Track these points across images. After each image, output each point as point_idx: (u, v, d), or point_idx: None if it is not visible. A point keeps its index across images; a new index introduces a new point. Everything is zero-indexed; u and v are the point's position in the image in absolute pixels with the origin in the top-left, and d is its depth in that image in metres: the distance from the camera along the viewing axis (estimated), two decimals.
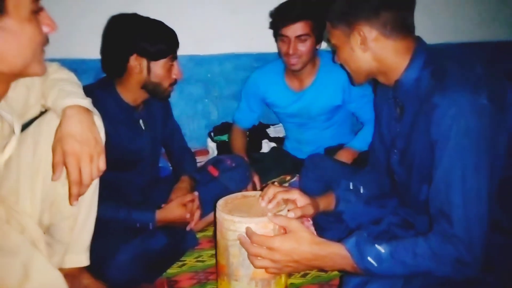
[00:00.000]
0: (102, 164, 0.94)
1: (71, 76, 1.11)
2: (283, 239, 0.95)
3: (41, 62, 0.84)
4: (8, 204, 1.00)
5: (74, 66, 1.91)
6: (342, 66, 1.11)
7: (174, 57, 1.44)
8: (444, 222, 0.88)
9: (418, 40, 1.02)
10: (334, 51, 1.10)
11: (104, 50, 1.44)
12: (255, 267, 0.97)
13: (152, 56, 1.38)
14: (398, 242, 0.91)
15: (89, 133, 0.95)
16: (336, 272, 1.30)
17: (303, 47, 1.68)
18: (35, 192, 1.02)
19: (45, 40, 0.84)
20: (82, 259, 1.17)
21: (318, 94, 1.81)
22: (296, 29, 1.64)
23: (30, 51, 0.80)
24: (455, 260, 0.86)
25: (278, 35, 1.71)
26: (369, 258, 0.89)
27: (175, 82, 1.47)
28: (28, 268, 0.95)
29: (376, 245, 0.90)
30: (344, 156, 1.73)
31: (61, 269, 1.10)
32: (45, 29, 0.82)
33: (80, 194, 0.93)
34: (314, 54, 1.74)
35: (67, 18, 1.88)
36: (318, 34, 1.70)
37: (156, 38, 1.38)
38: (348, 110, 1.88)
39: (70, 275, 1.13)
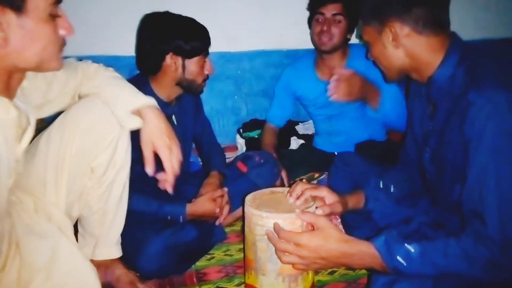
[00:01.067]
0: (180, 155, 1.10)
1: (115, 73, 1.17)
2: (311, 235, 0.95)
3: (57, 59, 0.88)
4: (35, 195, 1.05)
5: (109, 62, 1.97)
6: (374, 63, 1.10)
7: (207, 54, 1.48)
8: (477, 223, 0.86)
9: (453, 36, 0.99)
10: (367, 48, 1.09)
11: (139, 49, 1.48)
12: (282, 262, 0.98)
13: (187, 54, 1.42)
14: (429, 242, 0.90)
15: (171, 129, 1.09)
16: (364, 271, 1.29)
17: (336, 28, 1.76)
18: (60, 184, 1.07)
19: (62, 42, 0.88)
20: (112, 251, 1.21)
21: None
22: (333, 8, 1.76)
23: (44, 50, 0.84)
24: (488, 261, 0.84)
25: (314, 15, 1.80)
26: (398, 257, 0.88)
27: (207, 77, 1.51)
28: (56, 251, 0.99)
29: (406, 244, 0.89)
30: (371, 86, 1.62)
31: (93, 260, 1.15)
32: (62, 32, 0.86)
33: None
34: (344, 40, 1.81)
35: (102, 16, 1.94)
36: (350, 21, 1.78)
37: (191, 36, 1.41)
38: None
39: (103, 265, 1.18)
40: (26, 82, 0.93)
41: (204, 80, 1.50)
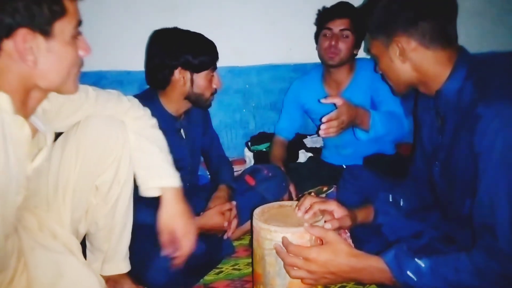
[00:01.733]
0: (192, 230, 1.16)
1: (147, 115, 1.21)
2: (320, 250, 0.94)
3: (75, 82, 0.91)
4: (38, 214, 1.06)
5: (120, 77, 2.05)
6: (382, 76, 1.10)
7: (215, 68, 1.50)
8: (488, 237, 0.85)
9: (461, 50, 0.99)
10: (375, 61, 1.10)
11: (148, 64, 1.50)
12: (291, 277, 0.97)
13: (195, 69, 1.44)
14: (439, 257, 0.89)
15: (187, 210, 1.15)
16: (374, 286, 1.28)
17: (343, 43, 1.77)
18: (65, 202, 1.08)
19: (81, 63, 0.91)
20: (120, 266, 1.21)
21: (354, 97, 1.80)
22: (340, 23, 1.77)
23: (67, 71, 0.87)
24: (500, 276, 0.83)
25: (322, 30, 1.81)
26: (408, 273, 0.87)
27: (215, 91, 1.53)
28: (61, 267, 1.00)
29: (416, 259, 0.88)
30: (360, 112, 1.55)
31: (102, 275, 1.15)
32: (81, 53, 0.89)
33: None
34: (351, 55, 1.82)
35: (112, 31, 1.98)
36: (357, 37, 1.78)
37: (199, 51, 1.43)
38: None
39: (111, 280, 1.19)
40: (49, 105, 0.96)
41: (212, 94, 1.52)
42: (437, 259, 0.88)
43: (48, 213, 1.07)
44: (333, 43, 1.76)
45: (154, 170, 1.15)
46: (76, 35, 0.86)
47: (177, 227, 1.12)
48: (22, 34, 0.77)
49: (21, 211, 0.96)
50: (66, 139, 1.08)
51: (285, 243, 0.98)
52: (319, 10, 1.85)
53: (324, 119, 1.40)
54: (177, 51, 1.42)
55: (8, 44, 0.77)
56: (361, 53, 1.88)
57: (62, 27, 0.81)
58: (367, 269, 0.91)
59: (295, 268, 0.95)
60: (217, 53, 1.49)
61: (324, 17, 1.82)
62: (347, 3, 1.82)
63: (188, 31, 1.48)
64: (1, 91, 0.79)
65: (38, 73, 0.82)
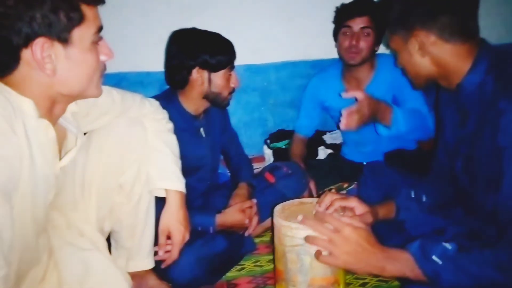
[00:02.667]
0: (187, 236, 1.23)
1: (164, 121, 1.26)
2: (354, 229, 0.93)
3: (97, 86, 0.91)
4: (66, 213, 1.09)
5: (140, 78, 2.08)
6: (402, 70, 1.09)
7: (232, 67, 1.51)
8: None
9: (482, 42, 0.97)
10: (395, 55, 1.09)
11: (167, 64, 1.53)
12: (316, 245, 0.96)
13: (213, 68, 1.45)
14: (463, 252, 0.88)
15: (185, 217, 1.21)
16: (396, 282, 1.27)
17: (365, 42, 1.71)
18: (90, 201, 1.11)
19: (103, 68, 0.91)
20: (144, 263, 1.24)
21: (375, 95, 1.77)
22: (361, 21, 1.70)
23: (88, 77, 0.87)
24: None
25: (341, 28, 1.75)
26: (433, 257, 0.86)
27: (233, 90, 1.54)
28: (89, 264, 1.04)
29: (443, 243, 0.87)
30: (381, 106, 1.50)
31: (127, 272, 1.18)
32: (102, 57, 0.89)
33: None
34: (372, 53, 1.77)
35: (132, 34, 2.01)
36: (378, 34, 1.73)
37: (216, 51, 1.45)
38: None
39: (137, 276, 1.21)
40: (77, 108, 0.98)
41: (230, 93, 1.53)
42: (461, 254, 0.87)
43: (75, 212, 1.10)
44: (353, 42, 1.70)
45: (164, 172, 1.19)
46: (97, 40, 0.86)
47: (173, 232, 1.19)
48: (40, 43, 0.77)
49: (50, 211, 1.00)
50: (90, 139, 1.11)
51: (310, 239, 0.97)
52: (337, 8, 1.80)
53: (344, 112, 1.38)
54: (195, 51, 1.44)
55: (26, 53, 0.78)
56: (381, 49, 1.85)
57: (81, 34, 0.81)
58: (391, 257, 0.90)
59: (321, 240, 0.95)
60: (234, 52, 1.50)
61: (343, 15, 1.75)
62: (365, 1, 1.75)
63: (205, 31, 1.49)
64: (25, 97, 0.81)
65: (58, 81, 0.82)
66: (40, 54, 0.78)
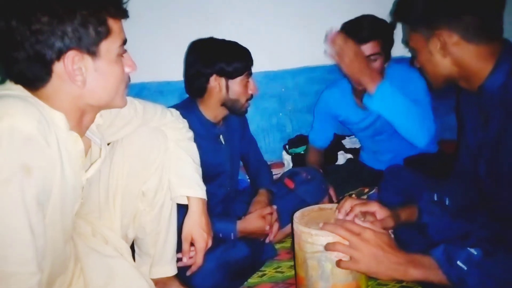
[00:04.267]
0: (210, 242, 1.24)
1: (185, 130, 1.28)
2: (375, 233, 0.92)
3: (123, 97, 0.95)
4: (91, 220, 1.12)
5: (160, 88, 2.12)
6: (420, 70, 1.08)
7: (250, 74, 1.52)
8: None
9: (505, 43, 0.95)
10: (413, 56, 1.07)
11: (186, 74, 1.56)
12: (336, 250, 0.95)
13: (230, 75, 1.48)
14: (489, 257, 0.86)
15: (208, 223, 1.23)
16: None
17: (373, 67, 1.58)
18: (115, 209, 1.14)
19: (128, 79, 0.95)
20: (167, 270, 1.25)
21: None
22: (366, 49, 1.57)
23: (115, 88, 0.90)
24: None
25: None
26: (458, 263, 0.84)
27: (251, 97, 1.55)
28: (114, 270, 1.06)
29: (469, 248, 0.85)
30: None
31: (151, 278, 1.20)
32: (127, 69, 0.93)
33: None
34: (382, 71, 1.67)
35: (152, 45, 2.05)
36: (387, 53, 1.65)
37: (232, 58, 1.47)
38: None
39: (160, 282, 1.23)
40: (102, 120, 1.02)
41: (248, 100, 1.55)
42: (487, 258, 0.85)
43: (100, 219, 1.13)
44: None
45: (185, 179, 1.21)
46: (122, 53, 0.89)
47: (196, 239, 1.20)
48: (71, 56, 0.81)
49: (76, 219, 1.03)
50: (113, 149, 1.14)
51: (330, 246, 0.97)
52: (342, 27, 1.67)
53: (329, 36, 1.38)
54: (211, 59, 1.47)
55: (58, 66, 0.81)
56: (399, 46, 1.79)
57: (108, 47, 0.85)
58: (413, 261, 0.89)
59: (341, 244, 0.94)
60: (251, 59, 1.52)
61: None
62: (370, 20, 1.62)
63: (222, 40, 1.52)
64: (56, 111, 0.84)
65: (87, 92, 0.86)
66: (71, 66, 0.81)
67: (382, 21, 1.63)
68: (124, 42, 0.89)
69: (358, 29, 1.58)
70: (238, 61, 1.48)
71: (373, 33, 1.58)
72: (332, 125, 1.97)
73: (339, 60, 1.41)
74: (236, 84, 1.49)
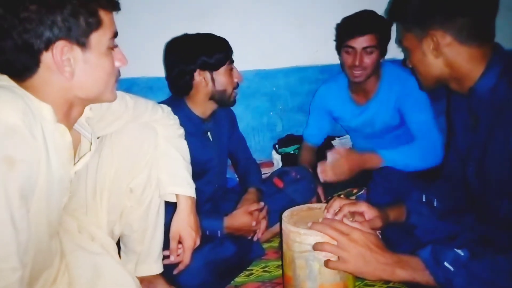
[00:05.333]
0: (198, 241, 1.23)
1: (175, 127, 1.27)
2: (362, 233, 0.92)
3: (113, 91, 0.94)
4: (77, 216, 1.11)
5: (151, 83, 2.10)
6: (412, 69, 1.08)
7: (232, 61, 1.52)
8: None
9: (496, 47, 0.96)
10: (406, 55, 1.08)
11: (169, 74, 1.55)
12: (324, 250, 0.95)
13: (213, 67, 1.47)
14: (476, 258, 0.86)
15: (196, 222, 1.22)
16: None
17: (369, 60, 1.67)
18: (102, 205, 1.12)
19: (118, 73, 0.94)
20: (153, 268, 1.24)
21: (379, 108, 1.78)
22: (363, 41, 1.64)
23: (104, 81, 0.89)
24: None
25: (343, 47, 1.71)
26: (445, 264, 0.84)
27: (237, 85, 1.55)
28: (99, 267, 1.04)
29: (455, 249, 0.85)
30: (366, 159, 1.61)
31: (136, 276, 1.19)
32: (117, 63, 0.91)
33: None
34: (377, 66, 1.73)
35: (142, 40, 2.03)
36: (383, 47, 1.70)
37: (213, 50, 1.46)
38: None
39: (146, 281, 1.22)
40: (92, 113, 1.00)
41: (234, 89, 1.54)
42: (473, 260, 0.85)
43: (86, 216, 1.11)
44: (357, 63, 1.64)
45: (175, 177, 1.19)
46: (112, 46, 0.88)
47: (184, 237, 1.19)
48: (60, 46, 0.79)
49: (62, 215, 1.01)
50: (102, 144, 1.12)
51: (318, 246, 0.97)
52: (337, 24, 1.73)
53: (319, 167, 1.53)
54: (192, 55, 1.46)
55: (46, 56, 0.80)
56: (392, 46, 1.83)
57: (98, 39, 0.84)
58: (401, 262, 0.89)
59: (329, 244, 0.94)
60: (230, 48, 1.51)
61: (343, 34, 1.68)
62: (369, 13, 1.68)
63: (198, 34, 1.51)
64: (44, 102, 0.83)
65: (76, 84, 0.84)
66: (60, 57, 0.80)
67: (380, 16, 1.68)
68: (115, 35, 0.88)
69: (356, 22, 1.65)
70: (218, 52, 1.47)
71: (371, 27, 1.63)
72: (327, 121, 1.98)
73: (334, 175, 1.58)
74: (221, 75, 1.48)
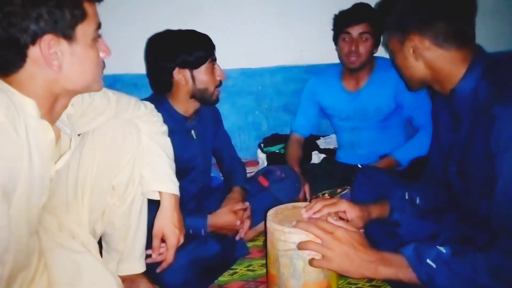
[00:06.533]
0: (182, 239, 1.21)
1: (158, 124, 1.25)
2: (346, 232, 0.93)
3: (99, 82, 0.94)
4: (58, 214, 1.08)
5: (135, 80, 2.08)
6: (398, 71, 1.10)
7: (214, 59, 1.48)
8: (505, 238, 0.84)
9: (477, 49, 0.98)
10: (391, 56, 1.10)
11: (149, 71, 1.53)
12: (309, 249, 0.95)
13: (193, 65, 1.44)
14: (457, 256, 0.88)
15: (180, 220, 1.20)
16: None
17: (363, 47, 1.78)
18: (83, 203, 1.10)
19: (102, 64, 0.93)
20: (136, 267, 1.23)
21: (373, 93, 1.85)
22: (359, 28, 1.77)
23: (91, 72, 0.89)
24: None
25: (341, 34, 1.80)
26: (428, 261, 0.86)
27: (220, 83, 1.52)
28: (80, 266, 1.02)
29: (438, 246, 0.87)
30: (381, 165, 1.77)
31: (119, 275, 1.17)
32: (101, 54, 0.91)
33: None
34: (371, 56, 1.83)
35: (127, 36, 2.00)
36: (376, 38, 1.80)
37: (192, 47, 1.43)
38: (403, 116, 1.87)
39: (128, 280, 1.20)
40: (73, 110, 0.99)
41: (217, 87, 1.51)
42: (455, 258, 0.87)
43: (67, 213, 1.09)
44: (353, 48, 1.77)
45: (158, 174, 1.18)
46: (97, 37, 0.88)
47: (167, 235, 1.17)
48: (47, 40, 0.79)
49: (42, 212, 0.99)
50: (83, 141, 1.10)
51: (302, 245, 0.97)
52: (335, 15, 1.85)
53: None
54: (171, 52, 1.43)
55: (33, 50, 0.79)
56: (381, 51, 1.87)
57: (84, 31, 0.83)
58: (384, 259, 0.90)
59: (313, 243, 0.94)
60: (212, 45, 1.48)
61: (342, 23, 1.81)
62: (364, 5, 1.82)
63: (179, 31, 1.48)
64: (27, 97, 0.81)
65: (63, 77, 0.84)
66: (47, 51, 0.79)
67: (374, 9, 1.82)
68: (99, 26, 0.87)
69: (354, 12, 1.80)
70: (198, 49, 1.44)
71: (366, 16, 1.77)
72: (316, 112, 2.02)
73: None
74: (201, 73, 1.46)
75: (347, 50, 1.78)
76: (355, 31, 1.76)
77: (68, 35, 0.81)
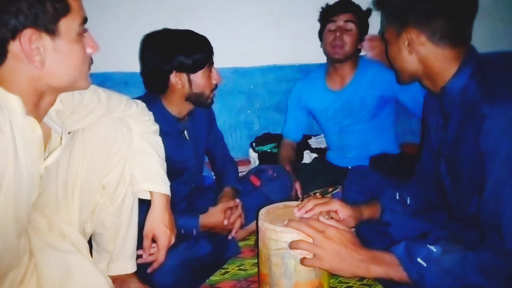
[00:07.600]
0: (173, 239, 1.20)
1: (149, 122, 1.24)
2: (338, 230, 0.94)
3: (86, 78, 0.91)
4: (47, 214, 1.07)
5: (125, 78, 2.06)
6: (390, 62, 1.10)
7: (211, 64, 1.46)
8: (494, 236, 0.85)
9: (470, 49, 0.99)
10: (386, 46, 1.10)
11: (143, 70, 1.48)
12: (300, 248, 0.96)
13: (191, 69, 1.41)
14: (448, 254, 0.88)
15: (171, 220, 1.19)
16: (380, 287, 1.27)
17: (348, 36, 1.79)
18: (73, 202, 1.09)
19: (90, 60, 0.91)
20: (127, 266, 1.21)
21: (358, 88, 1.85)
22: (344, 16, 1.80)
23: (76, 69, 0.87)
24: (506, 274, 0.82)
25: (327, 24, 1.82)
26: (418, 259, 0.86)
27: (216, 87, 1.50)
28: (70, 266, 1.01)
29: (428, 245, 0.87)
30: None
31: (109, 275, 1.16)
32: (88, 50, 0.89)
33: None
34: (355, 50, 1.83)
35: (118, 34, 1.99)
36: (361, 31, 1.81)
37: (191, 50, 1.39)
38: (391, 113, 1.88)
39: (118, 280, 1.19)
40: (62, 106, 0.97)
41: (212, 90, 1.49)
42: (446, 255, 0.87)
43: (57, 213, 1.08)
44: (338, 34, 1.78)
45: (149, 174, 1.17)
46: (82, 32, 0.85)
47: (158, 235, 1.16)
48: (28, 34, 0.77)
49: (31, 212, 0.97)
50: (73, 139, 1.09)
51: (294, 244, 0.97)
52: (322, 8, 1.88)
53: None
54: (169, 54, 1.38)
55: (14, 46, 0.77)
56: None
57: (67, 25, 0.81)
58: (375, 258, 0.90)
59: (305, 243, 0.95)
60: (211, 48, 1.44)
61: (327, 13, 1.85)
62: (349, 0, 1.84)
63: (178, 31, 1.44)
64: (12, 93, 0.79)
65: (47, 73, 0.82)
66: (28, 46, 0.77)
67: (356, 3, 1.84)
68: (85, 20, 0.85)
69: (339, 3, 1.84)
70: (198, 53, 1.39)
71: (351, 7, 1.81)
72: (304, 116, 2.02)
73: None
74: (198, 77, 1.43)
75: (332, 38, 1.79)
76: (341, 19, 1.79)
77: (50, 30, 0.79)
